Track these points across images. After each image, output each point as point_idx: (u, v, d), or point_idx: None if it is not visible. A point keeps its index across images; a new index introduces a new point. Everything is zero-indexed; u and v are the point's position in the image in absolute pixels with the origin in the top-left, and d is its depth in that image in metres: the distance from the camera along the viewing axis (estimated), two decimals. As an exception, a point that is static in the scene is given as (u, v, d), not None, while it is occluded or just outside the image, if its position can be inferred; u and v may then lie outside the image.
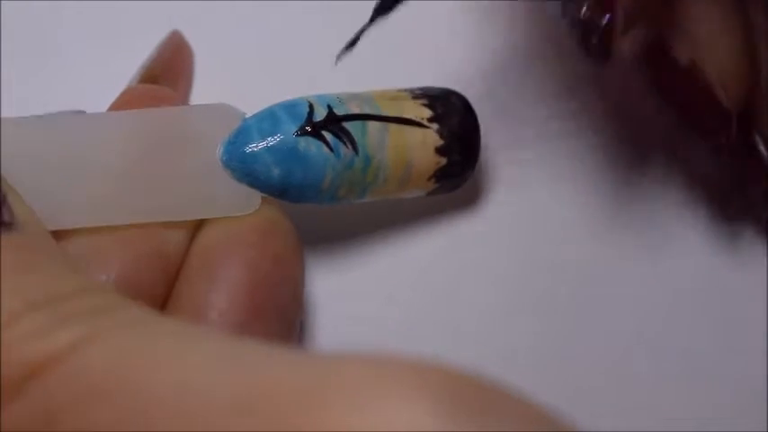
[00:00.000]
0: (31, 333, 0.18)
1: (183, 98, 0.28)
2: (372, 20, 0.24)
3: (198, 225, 0.24)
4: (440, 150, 0.25)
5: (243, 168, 0.24)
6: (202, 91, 0.28)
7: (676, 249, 0.29)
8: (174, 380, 0.17)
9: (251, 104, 0.24)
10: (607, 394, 0.27)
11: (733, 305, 0.28)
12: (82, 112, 0.24)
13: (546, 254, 0.28)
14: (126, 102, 0.25)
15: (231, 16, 0.30)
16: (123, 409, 0.17)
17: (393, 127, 0.25)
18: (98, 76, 0.28)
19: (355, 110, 0.25)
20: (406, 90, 0.26)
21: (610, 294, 0.28)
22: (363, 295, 0.28)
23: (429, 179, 0.26)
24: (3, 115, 0.24)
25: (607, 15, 0.24)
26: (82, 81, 0.29)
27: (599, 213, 0.29)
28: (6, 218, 0.20)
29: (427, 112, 0.25)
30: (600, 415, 0.26)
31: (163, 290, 0.24)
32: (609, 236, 0.29)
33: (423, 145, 0.25)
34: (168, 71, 0.27)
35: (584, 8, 0.24)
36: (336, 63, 0.24)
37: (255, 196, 0.24)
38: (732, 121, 0.26)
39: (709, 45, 0.25)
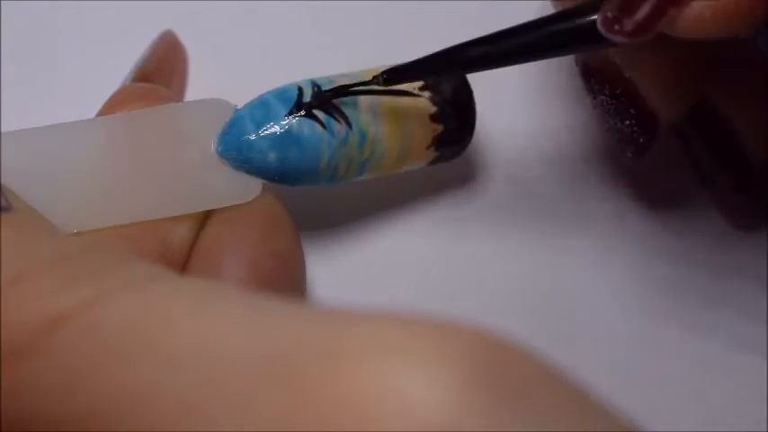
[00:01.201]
0: (41, 291, 0.17)
1: (178, 96, 0.28)
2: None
3: (201, 222, 0.24)
4: (435, 117, 0.25)
5: (239, 157, 0.24)
6: (197, 89, 0.29)
7: (677, 248, 0.28)
8: (194, 338, 0.16)
9: (245, 101, 0.24)
10: (606, 394, 0.26)
11: (733, 305, 0.28)
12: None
13: (546, 242, 0.28)
14: (120, 101, 0.25)
15: (225, 15, 0.30)
16: (143, 368, 0.16)
17: (385, 99, 0.25)
18: (98, 75, 0.28)
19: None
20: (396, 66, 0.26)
21: (609, 293, 0.28)
22: (363, 285, 0.28)
23: (428, 148, 0.26)
24: (3, 115, 0.24)
25: (646, 136, 0.26)
26: (82, 80, 0.29)
27: (599, 205, 0.29)
28: (3, 203, 0.20)
29: (418, 82, 0.25)
30: None
31: None
32: (609, 232, 0.28)
33: (417, 114, 0.25)
34: (161, 69, 0.27)
35: (627, 124, 0.25)
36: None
37: (255, 183, 0.24)
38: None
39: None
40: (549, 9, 0.25)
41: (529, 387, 0.15)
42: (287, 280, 0.24)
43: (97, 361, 0.17)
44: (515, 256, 0.28)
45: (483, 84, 0.26)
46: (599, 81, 0.26)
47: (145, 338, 0.17)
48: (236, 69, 0.29)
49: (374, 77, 0.24)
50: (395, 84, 0.24)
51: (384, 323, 0.16)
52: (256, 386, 0.16)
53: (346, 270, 0.27)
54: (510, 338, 0.16)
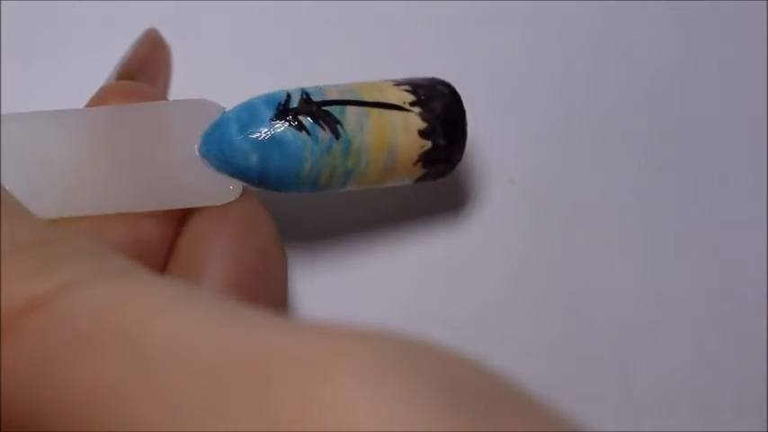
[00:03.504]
0: (18, 273, 0.17)
1: (162, 94, 0.28)
2: None
3: (181, 221, 0.24)
4: (423, 133, 0.25)
5: (221, 158, 0.24)
6: (181, 87, 0.29)
7: (675, 248, 0.28)
8: (165, 335, 0.17)
9: (229, 99, 0.25)
10: (607, 394, 0.26)
11: (733, 304, 0.28)
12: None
13: (544, 243, 0.28)
14: (104, 98, 0.25)
15: (209, 13, 0.30)
16: (111, 362, 0.16)
17: (373, 111, 0.25)
18: (99, 75, 0.28)
19: (334, 96, 0.25)
20: (389, 80, 0.26)
21: (609, 294, 0.28)
22: (355, 294, 0.28)
23: (415, 164, 0.25)
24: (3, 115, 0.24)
25: None
26: (83, 80, 0.29)
27: (597, 212, 0.29)
28: None
29: (409, 97, 0.25)
30: (600, 415, 0.26)
31: None
32: (607, 235, 0.28)
33: (404, 128, 0.25)
34: (146, 67, 0.28)
35: None
36: None
37: (236, 185, 0.24)
38: None
39: None
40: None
41: (484, 395, 0.16)
42: (270, 276, 0.24)
43: (67, 351, 0.17)
44: (514, 257, 0.28)
45: (480, 84, 0.26)
46: None
47: (115, 333, 0.17)
48: (219, 67, 0.29)
49: None
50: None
51: (353, 337, 0.16)
52: (225, 385, 0.16)
53: (336, 258, 0.28)
54: (460, 352, 0.16)
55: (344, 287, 0.27)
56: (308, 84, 0.25)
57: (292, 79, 0.25)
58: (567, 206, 0.28)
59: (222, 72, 0.29)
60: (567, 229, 0.28)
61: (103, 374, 0.16)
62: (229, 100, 0.25)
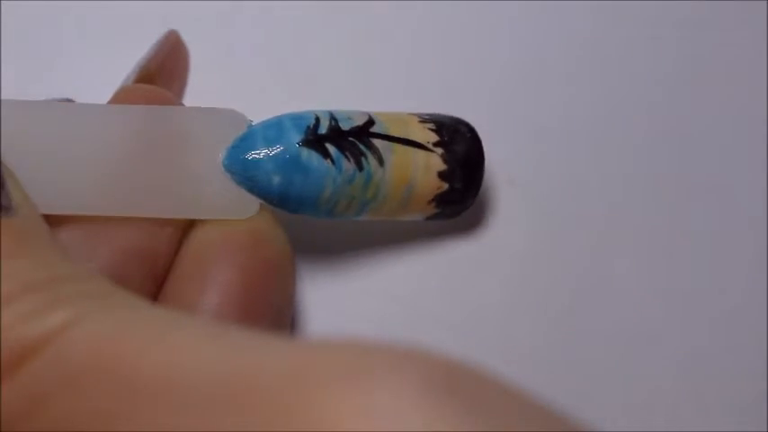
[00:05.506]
0: (27, 315, 0.18)
1: (178, 97, 0.28)
2: None
3: (190, 225, 0.24)
4: (442, 175, 0.25)
5: (243, 173, 0.24)
6: (196, 91, 0.29)
7: (675, 248, 0.28)
8: (160, 362, 0.17)
9: (244, 105, 0.25)
10: (607, 394, 0.26)
11: (733, 304, 0.28)
12: (70, 101, 0.25)
13: (544, 252, 0.28)
14: (121, 101, 0.25)
15: (228, 16, 0.30)
16: (108, 394, 0.17)
17: (397, 147, 0.25)
18: (99, 75, 0.28)
19: (361, 125, 0.25)
20: (415, 114, 0.26)
21: (609, 294, 0.28)
22: (357, 310, 0.27)
23: (429, 203, 0.26)
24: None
25: None
26: (82, 80, 0.29)
27: (597, 212, 0.29)
28: (4, 202, 0.20)
29: (433, 137, 0.25)
30: (600, 415, 0.26)
31: (151, 288, 0.23)
32: (607, 235, 0.29)
33: (425, 168, 0.25)
34: (164, 71, 0.27)
35: None
36: None
37: (254, 202, 0.24)
38: None
39: None
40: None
41: (482, 397, 0.16)
42: (277, 288, 0.24)
43: (61, 388, 0.17)
44: (514, 257, 0.28)
45: (480, 84, 0.26)
46: None
47: (109, 367, 0.17)
48: (235, 71, 0.29)
49: None
50: None
51: (347, 349, 0.17)
52: (216, 411, 0.16)
53: (339, 262, 0.28)
54: (459, 358, 0.17)
55: (346, 287, 0.28)
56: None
57: (308, 85, 0.25)
58: (567, 206, 0.29)
59: (237, 75, 0.29)
60: (566, 229, 0.28)
61: (96, 407, 0.17)
62: (242, 102, 0.25)
